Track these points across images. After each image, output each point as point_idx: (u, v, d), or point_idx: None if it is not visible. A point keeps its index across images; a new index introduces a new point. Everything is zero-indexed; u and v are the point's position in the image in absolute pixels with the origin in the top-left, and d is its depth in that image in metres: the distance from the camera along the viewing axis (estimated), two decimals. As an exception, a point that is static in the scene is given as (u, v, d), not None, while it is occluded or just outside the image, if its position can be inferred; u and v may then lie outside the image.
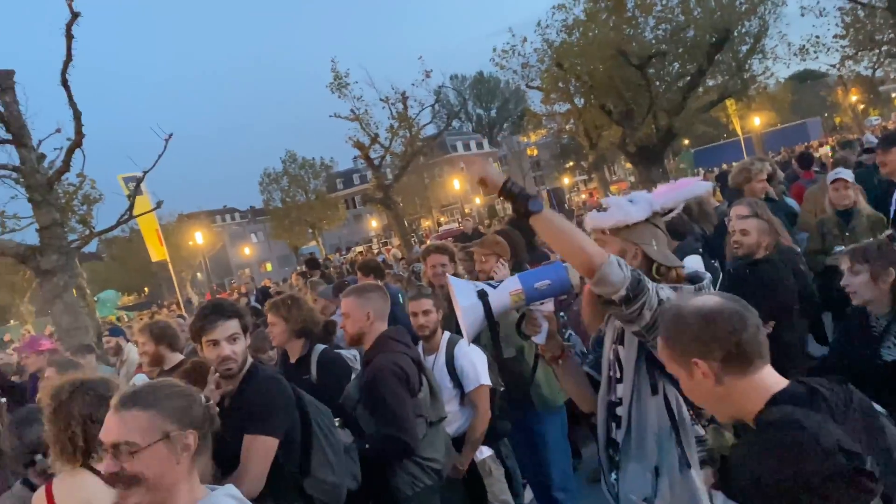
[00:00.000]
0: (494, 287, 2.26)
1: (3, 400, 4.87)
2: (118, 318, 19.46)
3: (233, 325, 2.85)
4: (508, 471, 4.28)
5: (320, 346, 4.02)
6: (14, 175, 10.04)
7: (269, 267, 62.24)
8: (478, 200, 54.92)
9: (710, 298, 1.72)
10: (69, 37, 9.79)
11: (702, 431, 2.15)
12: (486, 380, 3.88)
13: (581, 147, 30.45)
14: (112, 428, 1.72)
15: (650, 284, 2.05)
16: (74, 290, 9.69)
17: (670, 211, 2.41)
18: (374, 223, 56.72)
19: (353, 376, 3.82)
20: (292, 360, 4.01)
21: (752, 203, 4.22)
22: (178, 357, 4.16)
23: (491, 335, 2.53)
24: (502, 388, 4.05)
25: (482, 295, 2.23)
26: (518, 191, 2.07)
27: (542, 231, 2.11)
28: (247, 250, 61.70)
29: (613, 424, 2.32)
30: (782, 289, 3.84)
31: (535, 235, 4.46)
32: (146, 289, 51.39)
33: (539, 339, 2.39)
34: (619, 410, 2.27)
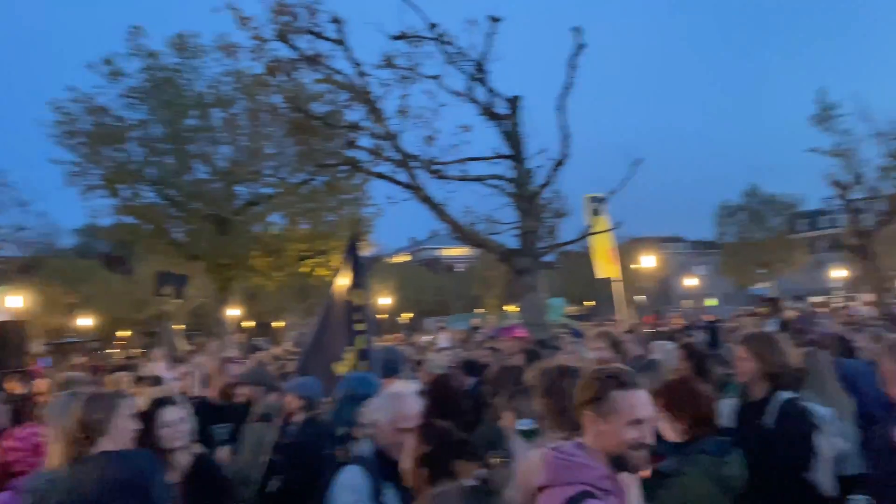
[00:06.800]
0: None
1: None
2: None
3: None
4: None
5: (785, 394, 3.72)
6: (506, 186, 11.67)
7: (712, 302, 59.42)
8: None
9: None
10: (573, 66, 10.99)
11: None
12: None
13: None
14: None
15: None
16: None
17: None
18: (834, 273, 49.17)
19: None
20: (749, 400, 3.81)
21: None
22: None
23: None
24: None
25: None
26: None
27: None
28: (691, 282, 60.00)
29: None
30: None
31: None
32: (591, 302, 54.15)
33: None
34: None
